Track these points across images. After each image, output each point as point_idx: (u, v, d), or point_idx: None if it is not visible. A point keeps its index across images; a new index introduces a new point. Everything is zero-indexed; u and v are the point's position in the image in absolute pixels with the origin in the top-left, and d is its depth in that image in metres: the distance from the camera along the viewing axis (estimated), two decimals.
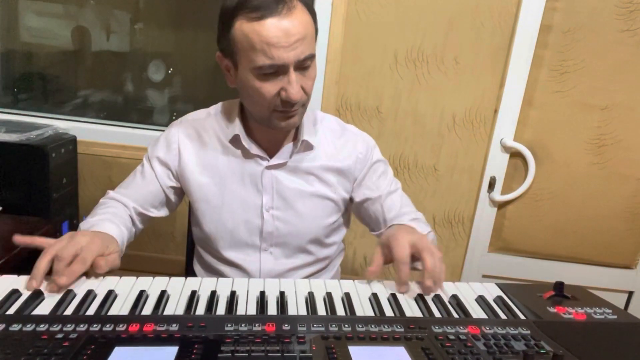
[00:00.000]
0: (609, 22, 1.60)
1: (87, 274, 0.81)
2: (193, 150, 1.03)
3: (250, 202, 1.02)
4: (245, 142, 0.99)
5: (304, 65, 0.88)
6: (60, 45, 1.82)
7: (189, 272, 1.34)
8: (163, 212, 1.09)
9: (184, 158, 1.02)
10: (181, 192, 1.08)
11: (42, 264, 0.77)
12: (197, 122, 1.05)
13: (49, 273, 0.78)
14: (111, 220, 0.94)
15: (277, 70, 0.86)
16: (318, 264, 1.10)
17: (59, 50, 1.82)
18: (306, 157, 1.03)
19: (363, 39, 1.66)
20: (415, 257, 0.85)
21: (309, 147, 1.02)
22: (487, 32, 1.63)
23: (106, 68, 1.85)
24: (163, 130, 1.10)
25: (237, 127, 0.99)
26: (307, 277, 1.09)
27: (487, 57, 1.66)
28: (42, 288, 0.76)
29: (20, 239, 0.82)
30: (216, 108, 1.07)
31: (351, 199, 1.10)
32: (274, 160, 1.01)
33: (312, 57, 0.89)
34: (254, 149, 1.00)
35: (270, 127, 0.95)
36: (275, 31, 0.83)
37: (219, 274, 1.09)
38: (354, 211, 1.14)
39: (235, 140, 1.00)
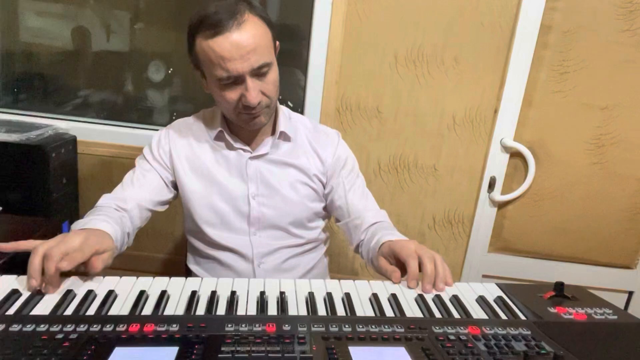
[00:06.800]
0: (609, 22, 1.60)
1: (86, 274, 0.81)
2: (183, 147, 1.12)
3: (237, 190, 1.10)
4: (229, 136, 1.09)
5: (260, 72, 0.96)
6: (60, 45, 1.81)
7: (189, 272, 1.34)
8: (162, 207, 1.15)
9: (174, 154, 1.11)
10: (175, 185, 1.15)
11: (35, 262, 0.76)
12: (185, 124, 1.16)
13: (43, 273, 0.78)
14: (104, 219, 0.94)
15: (235, 80, 0.95)
16: (304, 245, 1.18)
17: (59, 50, 1.82)
18: (285, 149, 1.13)
19: (363, 39, 1.66)
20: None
21: (287, 138, 1.12)
22: (487, 32, 1.63)
23: (106, 68, 1.85)
24: None
25: (220, 125, 1.10)
26: (295, 255, 1.16)
27: (487, 57, 1.66)
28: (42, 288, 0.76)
29: (3, 247, 0.80)
30: (201, 112, 1.18)
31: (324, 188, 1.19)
32: (256, 152, 1.11)
33: (267, 64, 0.96)
34: (237, 143, 1.10)
35: (241, 126, 1.06)
36: (227, 46, 0.91)
37: (214, 261, 1.14)
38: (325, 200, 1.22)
39: (219, 136, 1.11)
